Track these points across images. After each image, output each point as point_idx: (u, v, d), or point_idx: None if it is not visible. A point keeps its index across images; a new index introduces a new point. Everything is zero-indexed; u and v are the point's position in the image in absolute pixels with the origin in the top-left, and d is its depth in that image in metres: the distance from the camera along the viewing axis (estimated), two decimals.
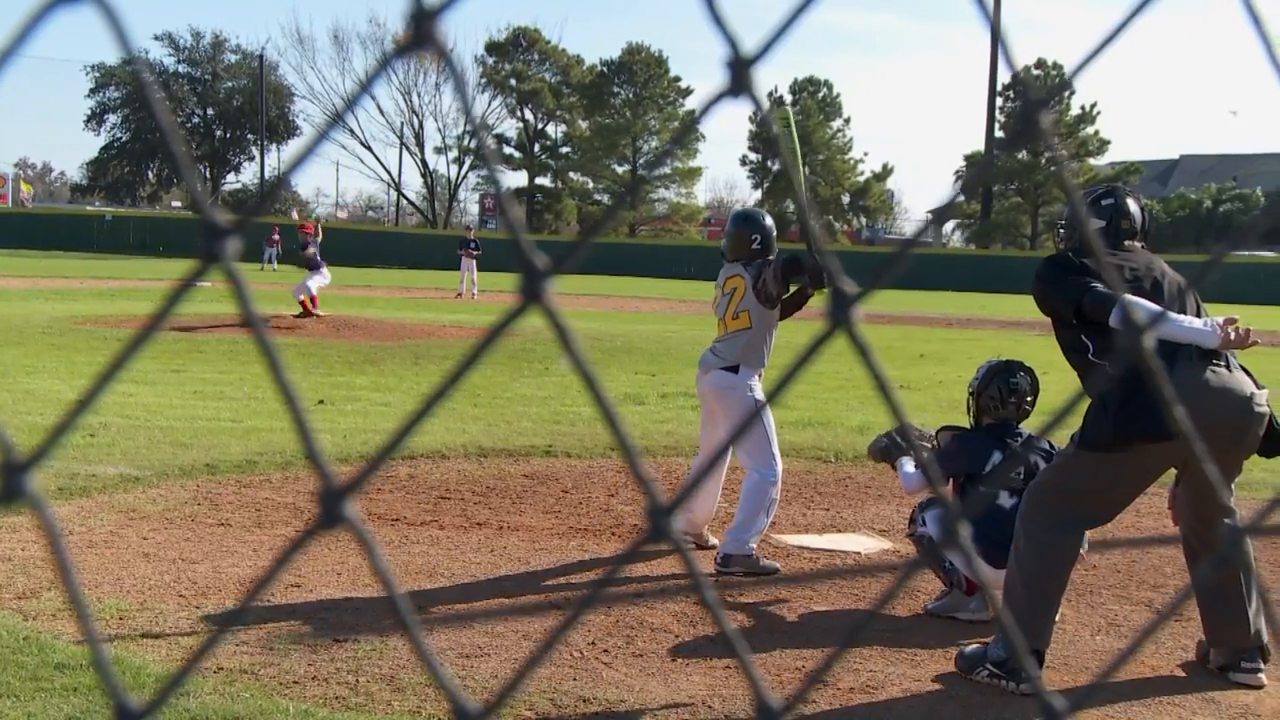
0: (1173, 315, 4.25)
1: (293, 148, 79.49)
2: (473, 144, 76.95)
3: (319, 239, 21.22)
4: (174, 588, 5.23)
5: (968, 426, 5.48)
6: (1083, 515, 4.51)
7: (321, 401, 10.74)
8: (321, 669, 4.29)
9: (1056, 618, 4.53)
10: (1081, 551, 4.84)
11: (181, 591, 5.19)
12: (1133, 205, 4.74)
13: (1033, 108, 0.54)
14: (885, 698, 4.25)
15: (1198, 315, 4.41)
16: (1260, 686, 4.44)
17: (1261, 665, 4.47)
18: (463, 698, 0.48)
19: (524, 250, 0.47)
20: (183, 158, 0.53)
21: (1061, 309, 4.47)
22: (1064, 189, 0.55)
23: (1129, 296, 4.23)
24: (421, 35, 0.47)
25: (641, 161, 73.99)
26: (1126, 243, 4.64)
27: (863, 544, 6.56)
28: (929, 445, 5.47)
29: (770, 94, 74.29)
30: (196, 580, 5.35)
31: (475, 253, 30.41)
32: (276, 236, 45.59)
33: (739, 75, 0.48)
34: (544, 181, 78.38)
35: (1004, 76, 61.28)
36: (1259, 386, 4.36)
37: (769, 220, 6.25)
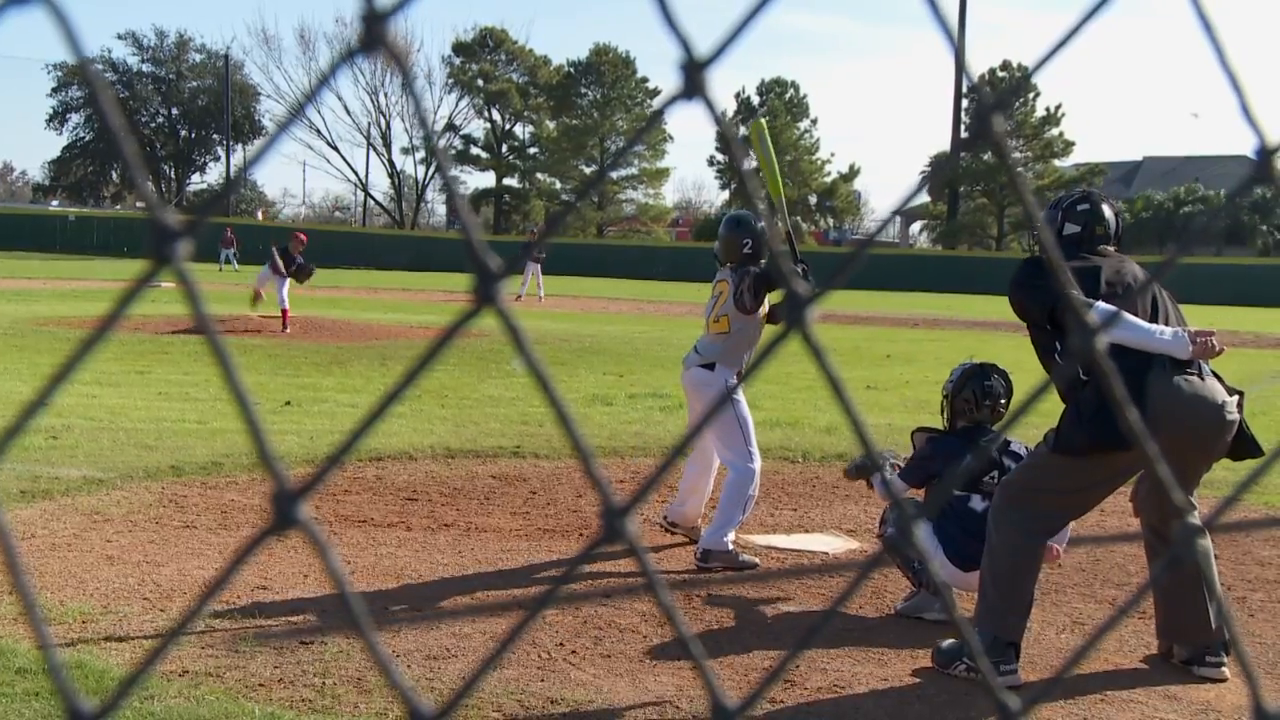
0: (1145, 325, 4.30)
1: (258, 147, 79.13)
2: (438, 144, 76.52)
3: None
4: (138, 591, 5.19)
5: (942, 428, 5.51)
6: (1054, 513, 4.61)
7: (288, 403, 10.68)
8: (288, 671, 4.27)
9: (1030, 611, 4.59)
10: (1060, 547, 4.98)
11: (146, 594, 5.14)
12: (1107, 210, 4.78)
13: (986, 112, 0.54)
14: (852, 697, 4.27)
15: (1170, 315, 4.48)
16: (1224, 679, 4.50)
17: (1225, 659, 4.54)
18: (416, 699, 0.48)
19: (476, 252, 0.47)
20: (133, 159, 0.52)
21: (1037, 314, 4.51)
22: (1019, 195, 0.55)
23: (1102, 304, 4.25)
24: (373, 37, 0.47)
25: (608, 163, 73.87)
26: (1101, 247, 4.69)
27: (830, 544, 6.58)
28: (896, 464, 5.49)
29: (738, 95, 74.44)
30: (161, 583, 5.31)
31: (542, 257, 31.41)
32: (230, 235, 45.17)
33: (692, 78, 0.48)
34: (511, 182, 78.24)
35: (969, 78, 61.64)
36: (1230, 393, 4.44)
37: (761, 224, 6.12)
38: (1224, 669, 4.55)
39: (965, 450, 5.22)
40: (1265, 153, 0.62)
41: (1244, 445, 4.47)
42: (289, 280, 19.00)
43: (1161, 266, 0.63)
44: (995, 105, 0.53)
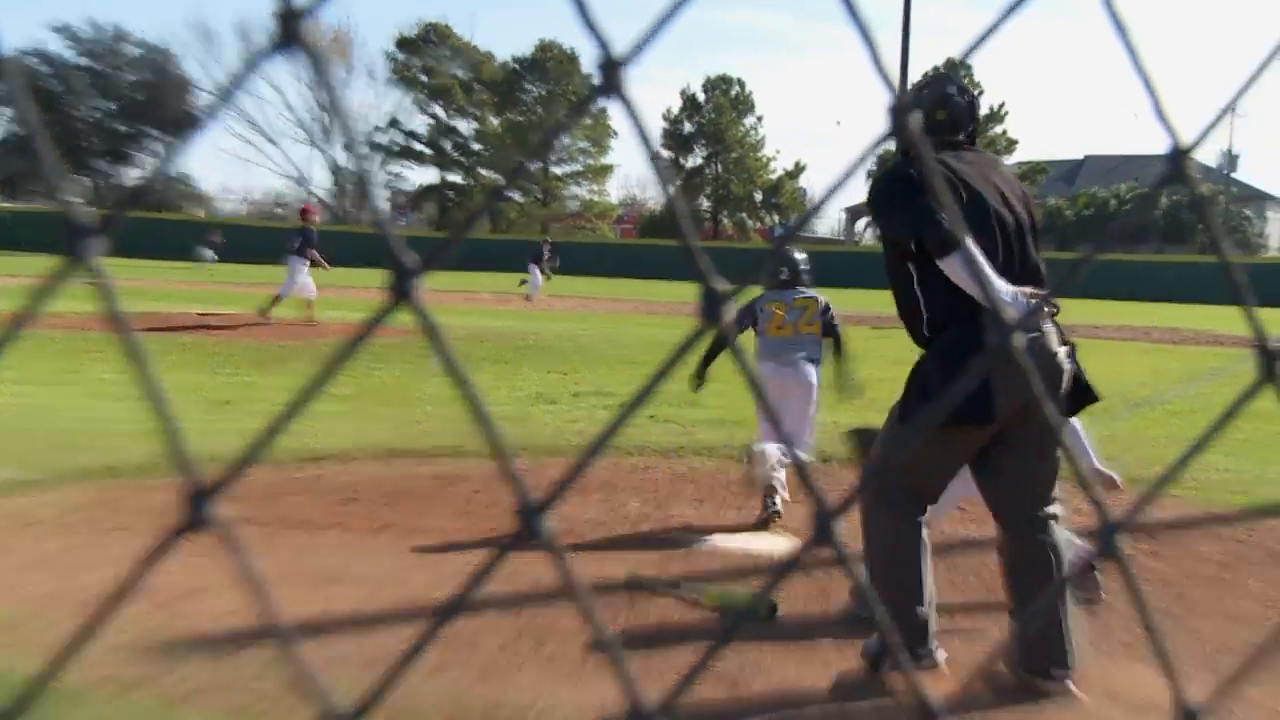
0: (996, 284, 3.88)
1: (177, 146, 78.46)
2: (384, 140, 76.14)
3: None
4: (70, 595, 5.10)
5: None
6: (927, 486, 4.32)
7: (228, 402, 10.56)
8: (224, 676, 4.21)
9: (933, 600, 4.35)
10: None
11: (78, 599, 5.06)
12: (954, 92, 4.32)
13: (900, 111, 0.55)
14: (795, 699, 4.29)
15: (1025, 230, 4.21)
16: (1070, 693, 4.20)
17: (1070, 671, 4.22)
18: (330, 701, 0.48)
19: (393, 248, 0.47)
20: (47, 154, 0.51)
21: (900, 236, 4.15)
22: (928, 183, 0.56)
23: (970, 249, 3.95)
24: (289, 35, 0.47)
25: (553, 159, 73.89)
26: (949, 137, 4.28)
27: (775, 544, 6.61)
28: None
29: (683, 92, 74.63)
30: (93, 587, 5.22)
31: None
32: (212, 237, 44.64)
33: (609, 76, 0.48)
34: (455, 178, 77.96)
35: (914, 75, 62.22)
36: (1064, 342, 4.20)
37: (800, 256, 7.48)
38: (1070, 682, 4.20)
39: None
40: (1179, 153, 0.64)
41: (1082, 394, 4.27)
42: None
43: (1076, 265, 0.64)
44: (910, 105, 0.54)
